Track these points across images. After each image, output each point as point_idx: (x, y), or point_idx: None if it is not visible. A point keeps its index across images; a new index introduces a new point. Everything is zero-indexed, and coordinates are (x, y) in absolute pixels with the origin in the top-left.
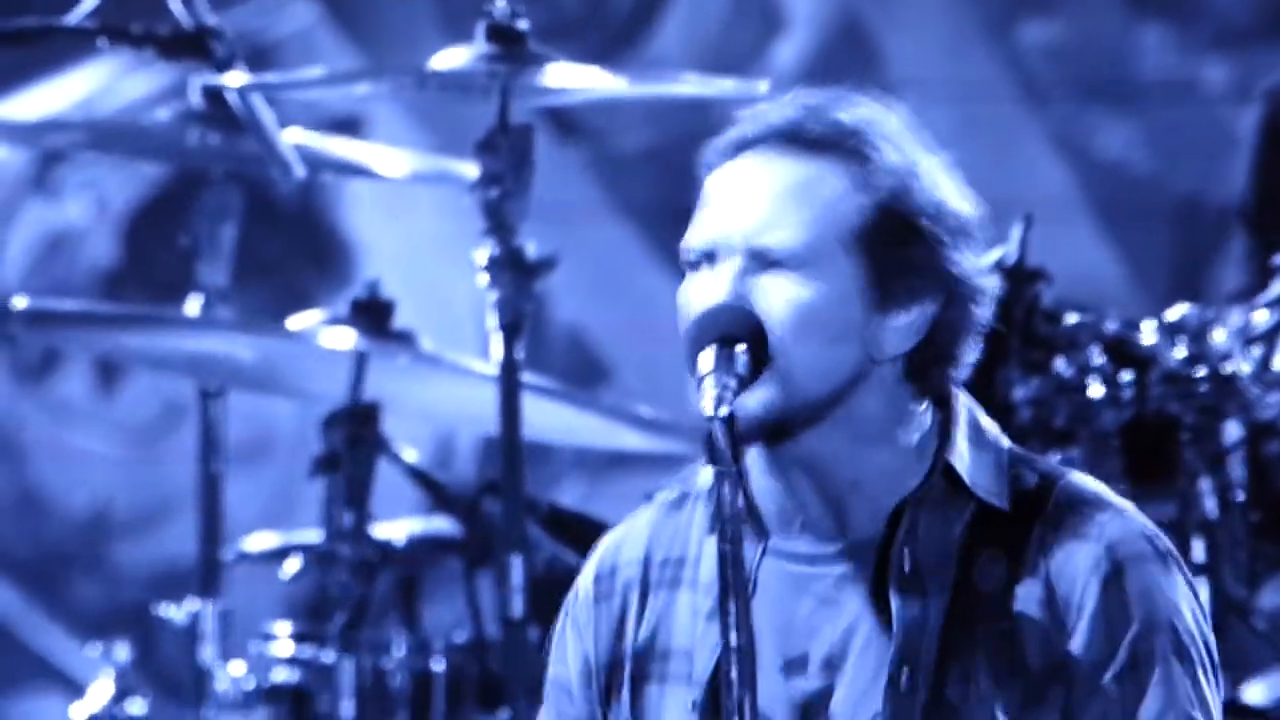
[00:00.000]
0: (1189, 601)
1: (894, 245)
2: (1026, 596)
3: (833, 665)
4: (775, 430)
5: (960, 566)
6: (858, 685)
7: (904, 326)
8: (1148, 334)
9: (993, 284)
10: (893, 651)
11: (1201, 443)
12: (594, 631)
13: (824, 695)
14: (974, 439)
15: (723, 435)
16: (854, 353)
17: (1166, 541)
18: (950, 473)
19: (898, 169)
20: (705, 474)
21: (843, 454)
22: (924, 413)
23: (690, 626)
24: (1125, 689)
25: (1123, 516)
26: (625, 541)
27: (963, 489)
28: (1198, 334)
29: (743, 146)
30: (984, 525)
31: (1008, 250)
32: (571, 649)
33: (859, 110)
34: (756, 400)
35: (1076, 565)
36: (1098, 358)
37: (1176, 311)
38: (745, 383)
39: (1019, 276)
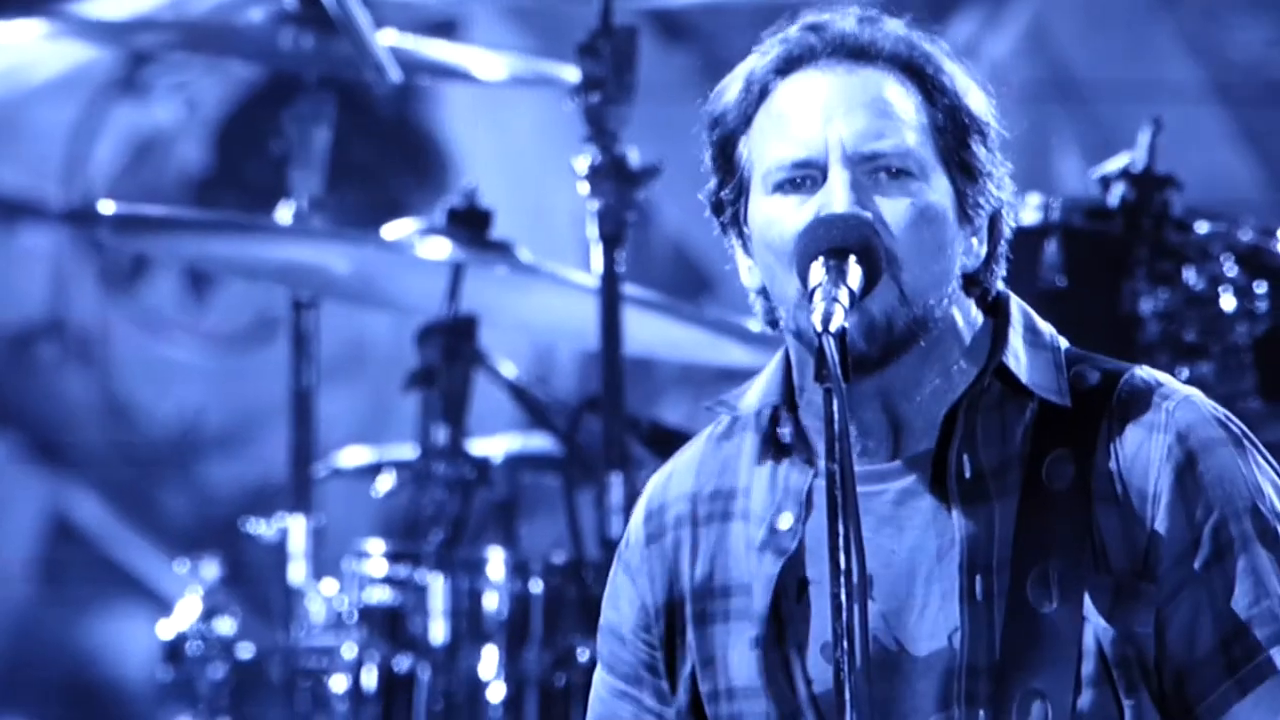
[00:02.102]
0: (1271, 481)
1: (961, 156)
2: (1100, 492)
3: (901, 585)
4: (896, 345)
5: (1027, 467)
6: (932, 602)
7: (979, 239)
8: None
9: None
10: (960, 560)
11: None
12: (648, 574)
13: (895, 616)
14: (1030, 340)
15: (834, 350)
16: (952, 263)
17: (1240, 424)
18: (1007, 375)
19: (953, 87)
20: (750, 399)
21: (915, 373)
22: (975, 320)
23: (746, 560)
24: (1213, 579)
25: (1191, 403)
26: (672, 478)
27: (1021, 390)
28: None
29: (806, 58)
30: (1048, 425)
31: (1135, 156)
32: (624, 595)
33: (904, 28)
34: (879, 308)
35: (1148, 456)
36: (1230, 268)
37: None
38: (856, 298)
39: (1147, 183)
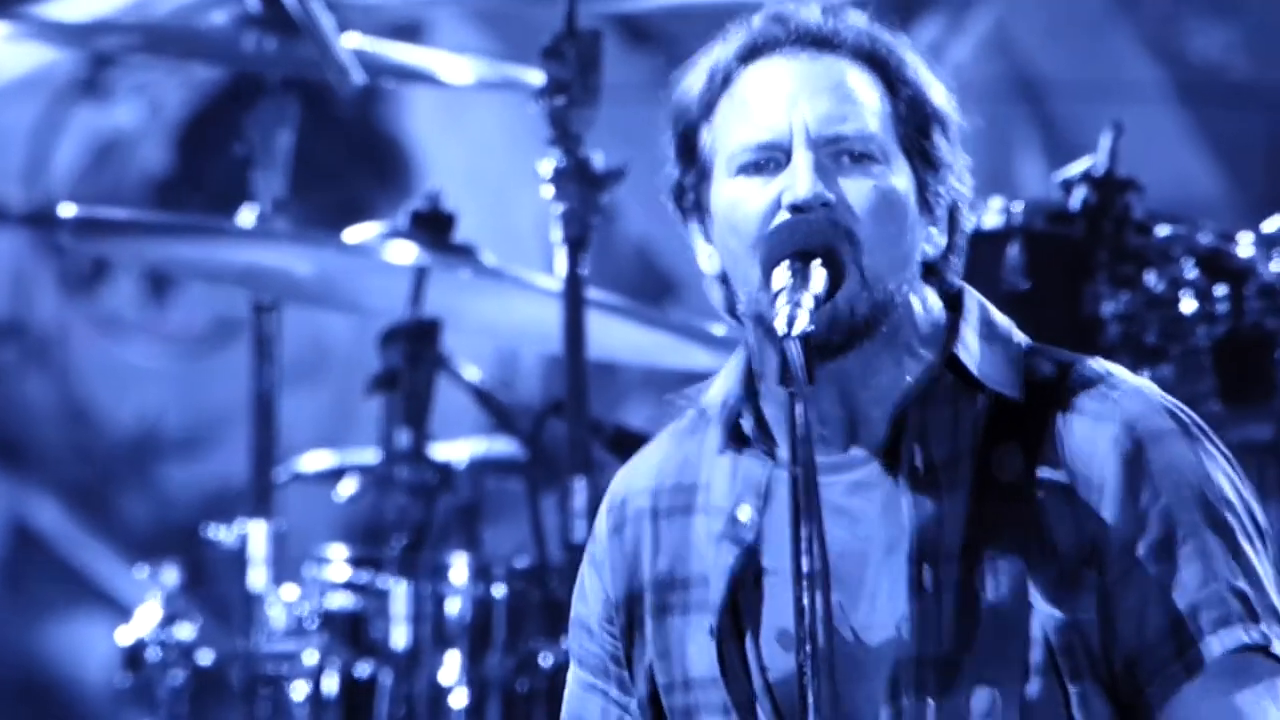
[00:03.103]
0: (1220, 470)
1: (924, 148)
2: (1049, 483)
3: (853, 574)
4: (859, 330)
5: (978, 460)
6: (882, 592)
7: (939, 229)
8: (1244, 246)
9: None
10: (910, 550)
11: None
12: (610, 567)
13: (847, 605)
14: (985, 333)
15: (797, 354)
16: (913, 251)
17: (1191, 413)
18: (960, 368)
19: (915, 78)
20: (714, 393)
21: (873, 359)
22: (934, 311)
23: (706, 552)
24: (1160, 564)
25: (1139, 393)
26: (636, 472)
27: (973, 382)
28: None
29: (770, 47)
30: (1000, 417)
31: (1097, 159)
32: (590, 587)
33: (867, 21)
34: (843, 298)
35: (1095, 445)
36: (1191, 271)
37: (1274, 222)
38: (820, 302)
39: (1108, 186)
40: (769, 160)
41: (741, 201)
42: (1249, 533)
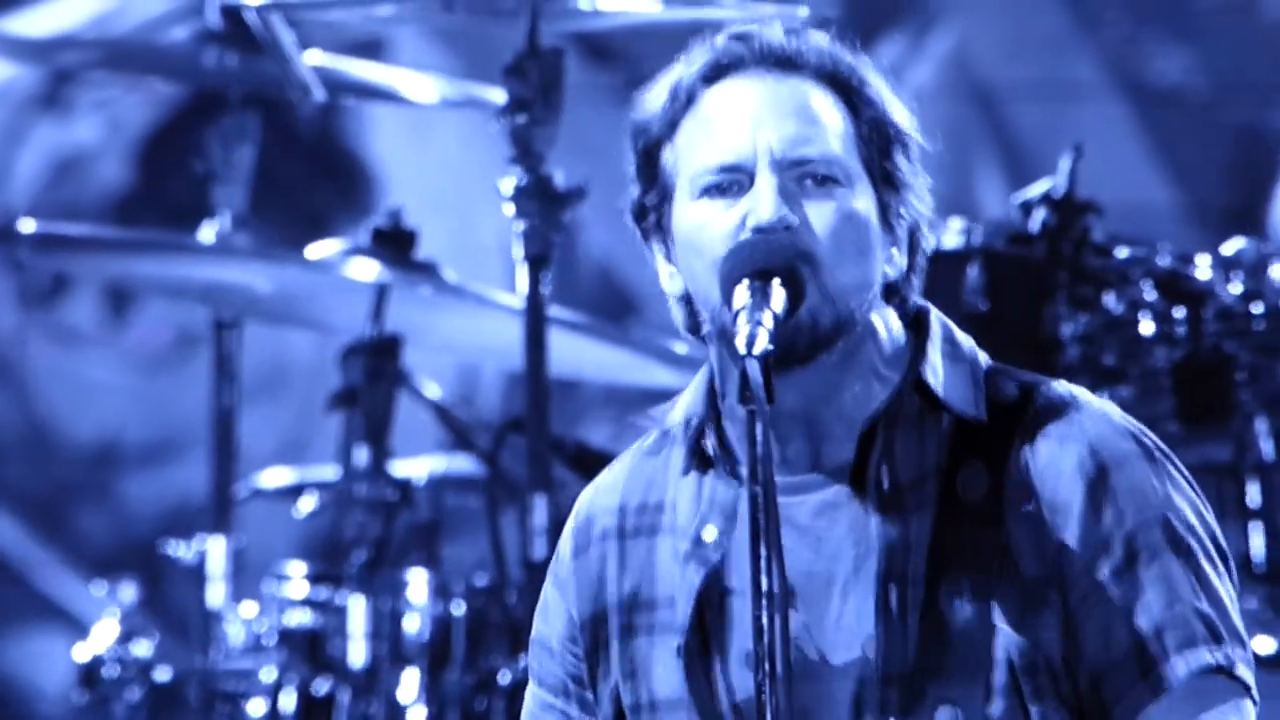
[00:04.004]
0: (1183, 494)
1: (885, 167)
2: (1013, 505)
3: (818, 595)
4: (821, 341)
5: (942, 481)
6: (848, 611)
7: (900, 249)
8: (1203, 268)
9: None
10: (877, 572)
11: (1258, 382)
12: (575, 587)
13: (812, 626)
14: (949, 354)
15: (757, 373)
16: (875, 271)
17: (1154, 437)
18: (925, 389)
19: (877, 99)
20: (678, 413)
21: (836, 377)
22: (896, 332)
23: (671, 573)
24: (1124, 586)
25: (1103, 416)
26: (600, 492)
27: (938, 404)
28: (1255, 269)
29: (733, 67)
30: (965, 437)
31: (1056, 182)
32: (553, 606)
33: (829, 41)
34: (805, 309)
35: (1060, 467)
36: (1149, 293)
37: (1233, 245)
38: (780, 321)
39: (1068, 209)
40: (732, 183)
41: (705, 224)
42: (1211, 556)
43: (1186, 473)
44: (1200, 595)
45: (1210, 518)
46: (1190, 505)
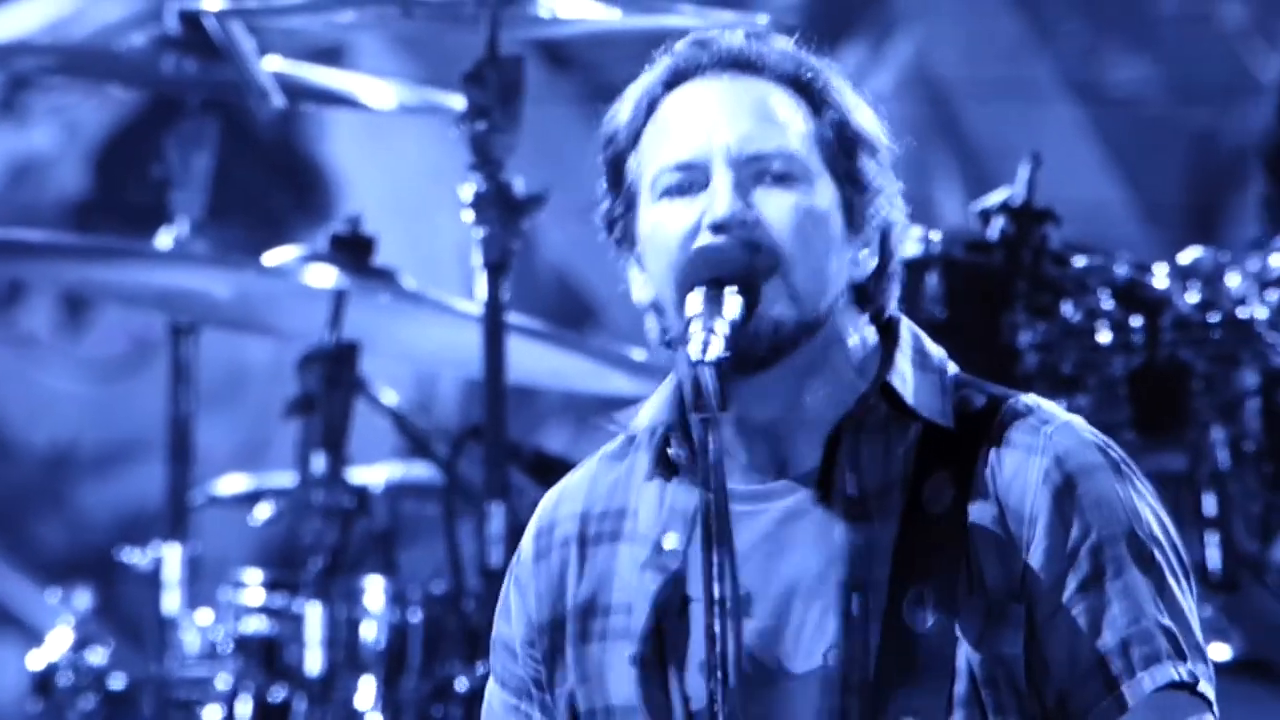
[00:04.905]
0: (1148, 508)
1: (850, 169)
2: (979, 515)
3: (781, 602)
4: (786, 342)
5: (909, 489)
6: (810, 620)
7: (868, 253)
8: (1159, 277)
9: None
10: (840, 579)
11: (1214, 391)
12: (534, 591)
13: (774, 633)
14: (918, 362)
15: (710, 380)
16: (839, 271)
17: (1120, 451)
18: (893, 396)
19: (840, 101)
20: (643, 419)
21: (801, 380)
22: (867, 338)
23: (630, 579)
24: (1090, 600)
25: (1070, 428)
26: (564, 497)
27: (906, 411)
28: (1212, 278)
29: (693, 71)
30: (931, 447)
31: (1015, 190)
32: (514, 610)
33: (792, 45)
34: (768, 311)
35: (1026, 479)
36: (1107, 302)
37: (1190, 254)
38: (734, 328)
39: (1026, 217)
40: (690, 182)
41: (664, 224)
42: (1175, 571)
43: (1151, 487)
44: (1164, 610)
45: (1174, 532)
46: (1155, 519)
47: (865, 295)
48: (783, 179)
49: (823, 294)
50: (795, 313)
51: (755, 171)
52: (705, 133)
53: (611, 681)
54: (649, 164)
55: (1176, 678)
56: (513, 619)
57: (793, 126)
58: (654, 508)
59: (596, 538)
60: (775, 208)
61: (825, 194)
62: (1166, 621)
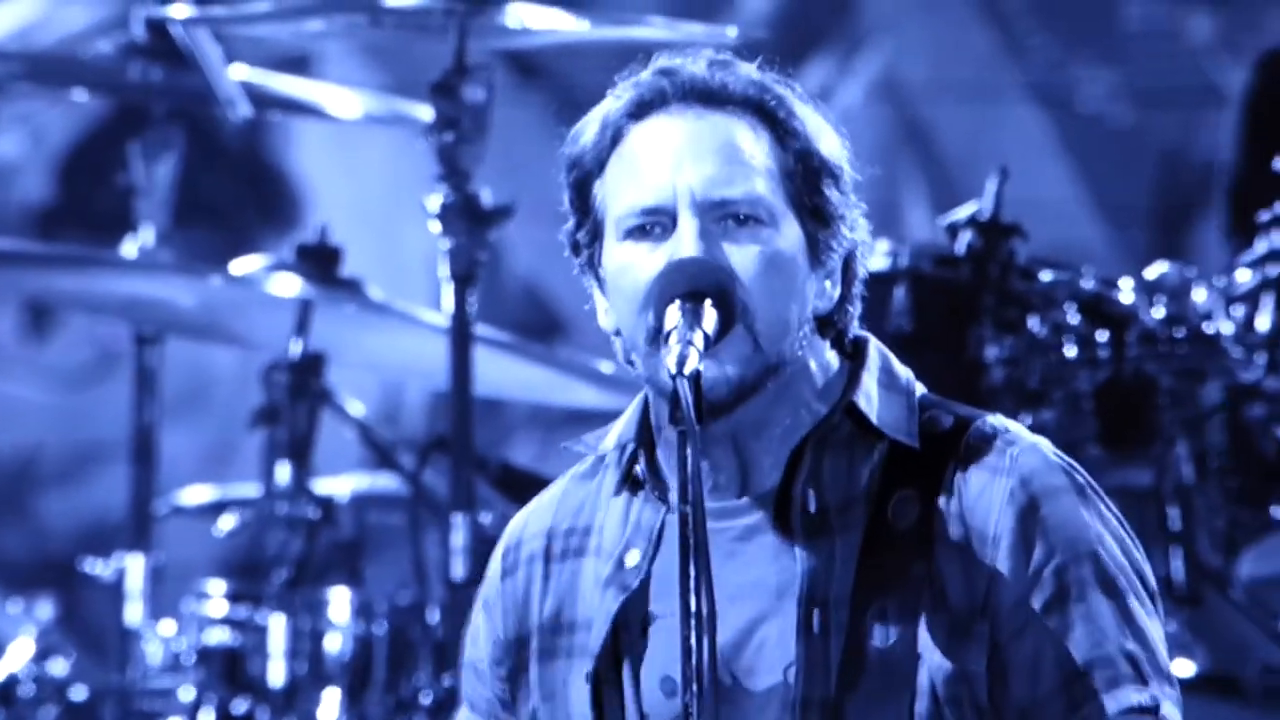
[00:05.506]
0: (1112, 531)
1: (813, 200)
2: (943, 534)
3: (741, 619)
4: (747, 391)
5: (873, 507)
6: (770, 636)
7: (831, 283)
8: (1126, 292)
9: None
10: (800, 594)
11: (1180, 405)
12: (501, 609)
13: (735, 650)
14: (885, 382)
15: (687, 393)
16: (803, 308)
17: (1084, 473)
18: (858, 415)
19: (804, 130)
20: (612, 438)
21: (765, 414)
22: (830, 363)
23: (593, 596)
24: (1053, 622)
25: (1036, 450)
26: (532, 516)
27: (871, 430)
28: (1178, 293)
29: (658, 103)
30: (897, 465)
31: (982, 205)
32: (482, 630)
33: (757, 71)
34: (732, 359)
35: (991, 499)
36: (1073, 316)
37: (1156, 270)
38: (710, 341)
39: (993, 232)
40: (655, 224)
41: (629, 267)
42: (1139, 595)
43: (1116, 510)
44: (1128, 634)
45: (1139, 555)
46: (1119, 543)
47: (828, 322)
48: (747, 223)
49: (786, 336)
50: (760, 359)
51: (720, 216)
52: (670, 175)
53: (572, 698)
54: (614, 200)
55: (1138, 702)
56: (481, 640)
57: (758, 166)
58: (618, 524)
59: (562, 554)
60: (741, 256)
61: (790, 234)
62: (1130, 645)
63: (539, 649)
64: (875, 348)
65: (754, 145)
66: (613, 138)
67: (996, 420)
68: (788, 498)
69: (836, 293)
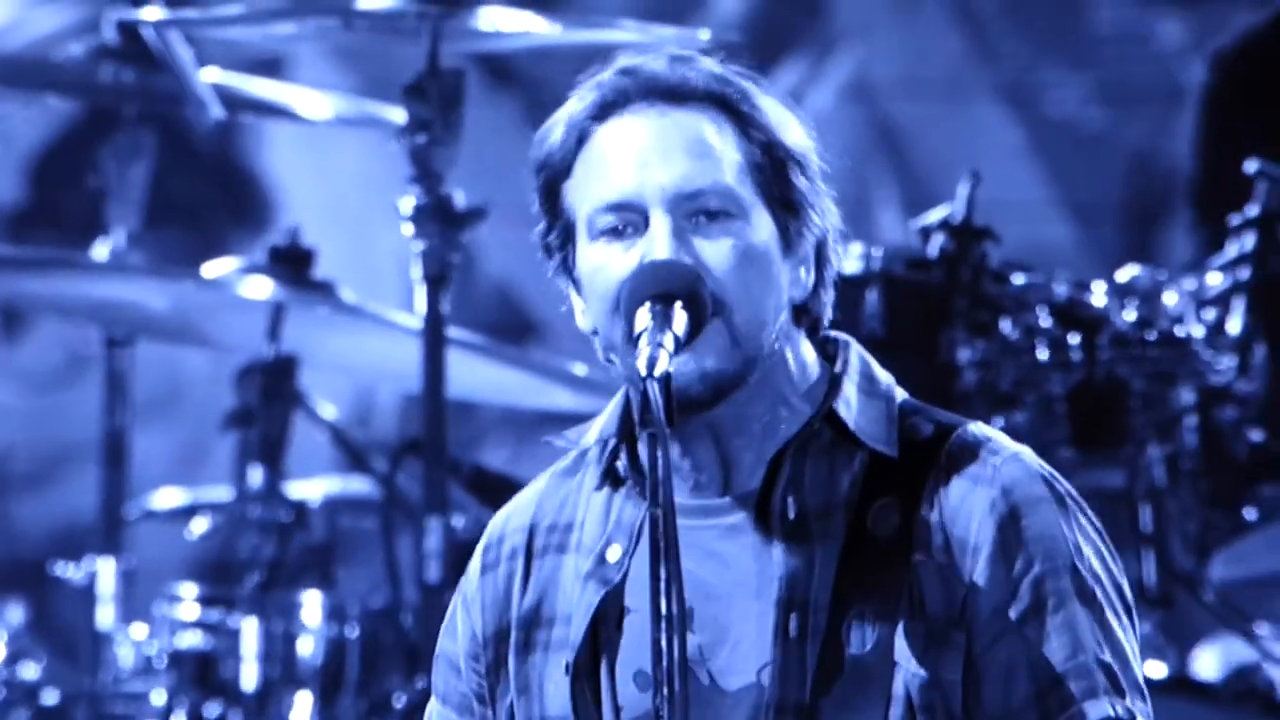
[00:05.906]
0: (1091, 542)
1: (782, 191)
2: (923, 542)
3: (719, 619)
4: (727, 386)
5: (853, 514)
6: (746, 637)
7: (805, 271)
8: (1097, 295)
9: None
10: (777, 596)
11: (1151, 408)
12: (480, 604)
13: (709, 649)
14: (865, 388)
15: (658, 395)
16: (779, 298)
17: (1066, 484)
18: (838, 422)
19: (768, 121)
20: (594, 434)
21: (745, 409)
22: (813, 361)
23: (573, 590)
24: (1029, 633)
25: (1018, 460)
26: (514, 512)
27: (851, 437)
28: (1149, 296)
29: (621, 103)
30: (877, 473)
31: (954, 208)
32: (460, 625)
33: (719, 66)
34: (711, 354)
35: (971, 508)
36: (1045, 319)
37: (1127, 273)
38: (681, 343)
39: (965, 235)
40: (627, 224)
41: (602, 268)
42: (1116, 607)
43: (1096, 520)
44: (1104, 646)
45: (1117, 567)
46: (1098, 554)
47: (804, 310)
48: (719, 217)
49: (763, 330)
50: (739, 354)
51: (691, 211)
52: (638, 174)
53: (549, 692)
54: (583, 201)
55: (1111, 714)
56: (458, 634)
57: (725, 159)
58: (599, 519)
59: (543, 549)
60: (714, 251)
61: (762, 225)
62: (1106, 657)
63: (518, 642)
64: (857, 353)
65: (719, 139)
66: (578, 139)
67: (978, 428)
68: (768, 503)
69: (810, 280)
